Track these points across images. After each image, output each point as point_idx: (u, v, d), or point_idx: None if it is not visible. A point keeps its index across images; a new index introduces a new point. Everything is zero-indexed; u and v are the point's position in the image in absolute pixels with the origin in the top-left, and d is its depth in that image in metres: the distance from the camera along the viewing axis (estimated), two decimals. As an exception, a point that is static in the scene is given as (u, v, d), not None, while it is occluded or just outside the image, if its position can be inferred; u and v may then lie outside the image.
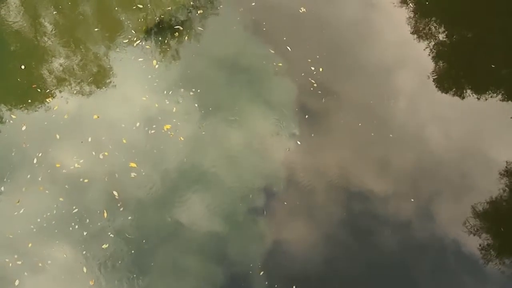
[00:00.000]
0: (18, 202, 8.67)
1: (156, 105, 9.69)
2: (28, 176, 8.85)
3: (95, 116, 9.54)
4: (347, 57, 10.44)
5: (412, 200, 8.95)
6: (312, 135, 9.51)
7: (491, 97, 10.32)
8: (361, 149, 9.44)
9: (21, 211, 8.57)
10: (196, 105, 9.77)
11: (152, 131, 9.38)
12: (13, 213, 8.56)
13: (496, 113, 10.06)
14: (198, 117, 9.62)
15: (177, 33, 10.67)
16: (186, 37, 10.63)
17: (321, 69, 10.11)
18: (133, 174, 8.93)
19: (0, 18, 10.86)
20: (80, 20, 10.87)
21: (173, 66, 10.25)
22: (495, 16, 11.20)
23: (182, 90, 9.93)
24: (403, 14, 11.24)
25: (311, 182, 9.08)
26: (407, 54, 10.72)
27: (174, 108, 9.68)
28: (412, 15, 11.30)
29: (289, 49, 10.41)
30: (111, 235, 8.41)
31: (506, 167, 9.41)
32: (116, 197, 8.73)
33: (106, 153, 9.13)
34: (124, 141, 9.24)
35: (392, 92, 10.07)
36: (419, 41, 10.94)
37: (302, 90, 9.96)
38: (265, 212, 8.75)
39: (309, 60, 10.27)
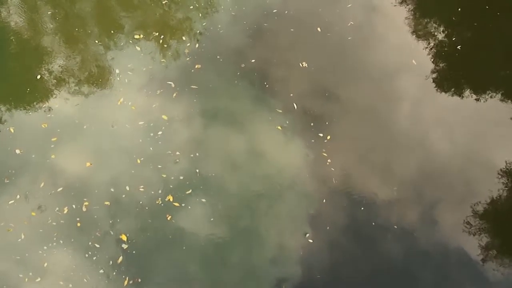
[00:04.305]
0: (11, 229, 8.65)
1: (161, 173, 9.19)
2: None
3: (88, 164, 9.22)
4: (352, 116, 9.99)
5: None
6: (328, 227, 8.88)
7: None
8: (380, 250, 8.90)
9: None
10: (197, 170, 9.23)
11: (145, 198, 8.93)
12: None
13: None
14: (197, 186, 9.07)
15: (165, 89, 10.03)
16: (175, 94, 9.92)
17: (328, 137, 9.63)
18: (124, 246, 8.59)
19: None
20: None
21: (175, 127, 9.62)
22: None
23: (178, 153, 9.36)
24: (409, 80, 10.67)
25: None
26: (420, 115, 10.21)
27: (171, 176, 9.13)
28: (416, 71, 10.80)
29: (295, 107, 9.92)
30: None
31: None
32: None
33: (87, 203, 8.87)
34: (107, 203, 8.87)
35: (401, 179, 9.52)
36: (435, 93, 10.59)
37: (315, 165, 9.40)
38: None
39: (312, 124, 9.78)
